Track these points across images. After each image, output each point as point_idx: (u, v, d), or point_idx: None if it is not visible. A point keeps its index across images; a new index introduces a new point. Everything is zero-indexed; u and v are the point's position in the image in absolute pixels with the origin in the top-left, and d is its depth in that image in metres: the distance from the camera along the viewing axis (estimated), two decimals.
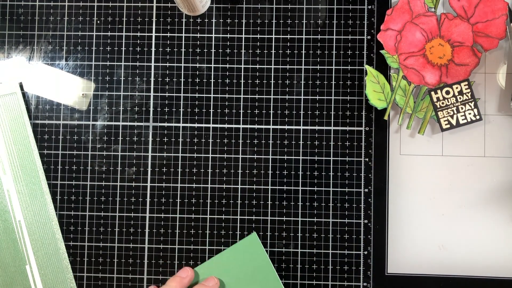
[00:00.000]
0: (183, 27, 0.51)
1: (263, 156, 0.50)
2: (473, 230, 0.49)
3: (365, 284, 0.49)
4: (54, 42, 0.52)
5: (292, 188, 0.50)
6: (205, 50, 0.51)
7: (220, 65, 0.51)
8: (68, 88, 0.51)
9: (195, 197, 0.51)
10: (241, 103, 0.51)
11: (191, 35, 0.51)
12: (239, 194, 0.50)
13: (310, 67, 0.50)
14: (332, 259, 0.49)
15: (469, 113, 0.48)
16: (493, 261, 0.49)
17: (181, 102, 0.51)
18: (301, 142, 0.50)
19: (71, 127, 0.51)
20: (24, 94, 0.51)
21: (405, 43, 0.48)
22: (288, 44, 0.50)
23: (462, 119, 0.48)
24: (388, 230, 0.49)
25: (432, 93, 0.48)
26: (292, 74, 0.50)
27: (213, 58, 0.51)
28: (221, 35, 0.51)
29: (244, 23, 0.51)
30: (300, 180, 0.50)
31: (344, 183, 0.50)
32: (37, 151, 0.51)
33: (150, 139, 0.51)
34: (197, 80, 0.51)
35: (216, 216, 0.50)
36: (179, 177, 0.51)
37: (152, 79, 0.51)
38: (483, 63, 0.49)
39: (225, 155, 0.51)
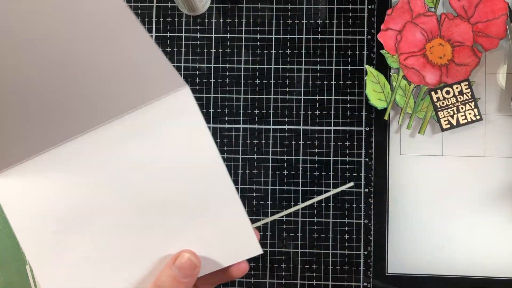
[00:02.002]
0: (183, 27, 0.51)
1: (263, 156, 0.50)
2: (473, 230, 0.49)
3: (365, 284, 0.49)
4: None
5: (292, 188, 0.50)
6: (205, 50, 0.51)
7: (220, 65, 0.51)
8: None
9: None
10: (241, 103, 0.51)
11: (191, 35, 0.51)
12: (239, 194, 0.50)
13: (310, 67, 0.50)
14: (332, 259, 0.49)
15: (469, 113, 0.48)
16: (493, 261, 0.49)
17: None
18: (301, 142, 0.50)
19: None
20: None
21: (405, 43, 0.48)
22: (288, 44, 0.50)
23: (462, 119, 0.48)
24: (388, 230, 0.49)
25: (432, 93, 0.48)
26: (292, 74, 0.50)
27: (213, 58, 0.51)
28: (221, 35, 0.51)
29: (244, 23, 0.51)
30: (300, 180, 0.50)
31: (344, 183, 0.50)
32: None
33: None
34: (197, 80, 0.51)
35: None
36: None
37: None
38: (483, 63, 0.49)
39: (225, 155, 0.51)
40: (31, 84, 0.31)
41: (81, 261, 0.36)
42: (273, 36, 0.51)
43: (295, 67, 0.50)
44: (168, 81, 0.34)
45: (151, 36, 0.51)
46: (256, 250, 0.36)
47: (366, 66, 0.49)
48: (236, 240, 0.36)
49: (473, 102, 0.48)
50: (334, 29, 0.50)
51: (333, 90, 0.50)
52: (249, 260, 0.49)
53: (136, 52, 0.32)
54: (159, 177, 0.35)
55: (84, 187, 0.35)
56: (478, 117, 0.48)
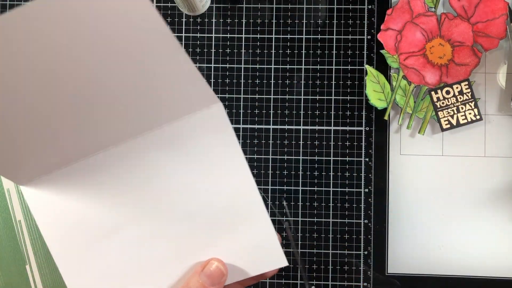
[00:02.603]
0: (183, 27, 0.51)
1: (263, 156, 0.50)
2: (473, 230, 0.49)
3: (365, 284, 0.49)
4: None
5: (292, 188, 0.50)
6: (205, 50, 0.51)
7: (220, 65, 0.51)
8: None
9: None
10: (241, 103, 0.51)
11: (191, 35, 0.51)
12: None
13: (310, 67, 0.50)
14: (332, 259, 0.49)
15: (469, 113, 0.48)
16: (493, 261, 0.49)
17: None
18: (301, 142, 0.50)
19: None
20: None
21: (405, 43, 0.48)
22: (288, 44, 0.50)
23: (462, 119, 0.48)
24: (388, 230, 0.49)
25: (432, 93, 0.48)
26: (292, 74, 0.50)
27: (213, 58, 0.51)
28: (221, 35, 0.51)
29: (244, 23, 0.51)
30: (300, 180, 0.50)
31: (344, 183, 0.50)
32: None
33: None
34: None
35: None
36: None
37: None
38: (483, 63, 0.49)
39: None
40: (67, 95, 0.32)
41: (109, 269, 0.36)
42: (273, 36, 0.51)
43: (295, 67, 0.50)
44: (201, 97, 0.35)
45: None
46: (281, 261, 0.37)
47: (366, 66, 0.49)
48: (263, 251, 0.37)
49: (473, 102, 0.48)
50: (334, 29, 0.50)
51: (333, 90, 0.50)
52: None
53: (173, 69, 0.32)
54: (190, 188, 0.36)
55: (116, 196, 0.36)
56: (478, 117, 0.48)
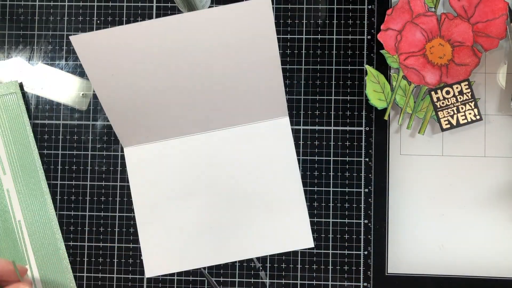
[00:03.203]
0: None
1: None
2: (473, 230, 0.49)
3: (365, 284, 0.49)
4: (54, 42, 0.52)
5: None
6: None
7: None
8: (68, 88, 0.51)
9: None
10: None
11: None
12: None
13: (310, 67, 0.50)
14: (332, 259, 0.49)
15: (469, 113, 0.48)
16: (493, 261, 0.49)
17: None
18: (301, 142, 0.50)
19: (71, 127, 0.51)
20: (24, 94, 0.51)
21: (405, 43, 0.48)
22: (288, 44, 0.50)
23: (462, 119, 0.48)
24: (388, 230, 0.49)
25: (432, 93, 0.48)
26: (292, 74, 0.50)
27: None
28: None
29: None
30: (300, 180, 0.50)
31: (344, 183, 0.50)
32: (37, 151, 0.51)
33: None
34: None
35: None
36: None
37: None
38: (483, 63, 0.49)
39: None
40: (182, 91, 0.46)
41: (174, 229, 0.48)
42: None
43: (295, 67, 0.50)
44: (279, 109, 0.48)
45: None
46: (309, 243, 0.48)
47: (366, 66, 0.49)
48: (295, 233, 0.48)
49: (473, 102, 0.48)
50: (334, 29, 0.50)
51: (333, 90, 0.50)
52: (250, 260, 0.50)
53: (269, 80, 0.46)
54: (251, 175, 0.48)
55: (193, 171, 0.48)
56: (478, 117, 0.48)
